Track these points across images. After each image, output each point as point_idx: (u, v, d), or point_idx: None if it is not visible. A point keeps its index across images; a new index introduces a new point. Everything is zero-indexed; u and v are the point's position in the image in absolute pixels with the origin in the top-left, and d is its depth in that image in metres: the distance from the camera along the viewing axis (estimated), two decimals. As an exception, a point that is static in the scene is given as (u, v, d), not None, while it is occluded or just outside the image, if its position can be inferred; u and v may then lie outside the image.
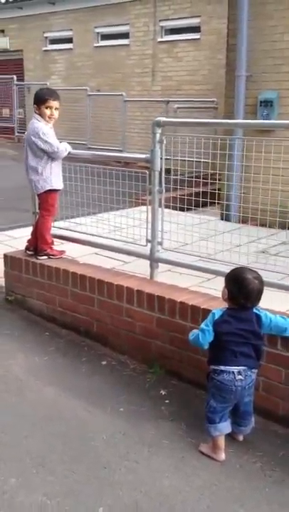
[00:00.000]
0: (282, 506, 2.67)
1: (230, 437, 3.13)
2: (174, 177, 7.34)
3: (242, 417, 3.09)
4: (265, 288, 3.04)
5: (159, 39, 12.98)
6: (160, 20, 12.87)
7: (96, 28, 14.27)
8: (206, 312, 3.54)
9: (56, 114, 4.43)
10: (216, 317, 3.04)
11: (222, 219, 6.22)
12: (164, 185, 4.12)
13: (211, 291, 3.88)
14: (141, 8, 13.13)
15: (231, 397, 2.99)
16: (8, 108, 16.18)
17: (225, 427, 3.01)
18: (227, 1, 7.66)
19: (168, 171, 6.50)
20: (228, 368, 2.96)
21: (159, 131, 4.00)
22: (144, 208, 4.38)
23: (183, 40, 12.59)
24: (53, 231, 4.80)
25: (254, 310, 3.04)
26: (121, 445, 3.09)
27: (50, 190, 4.49)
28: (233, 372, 2.95)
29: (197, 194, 4.76)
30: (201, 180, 4.85)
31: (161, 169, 4.07)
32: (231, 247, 4.83)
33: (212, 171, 5.84)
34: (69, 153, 4.52)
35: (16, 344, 4.23)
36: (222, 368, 2.97)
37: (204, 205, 5.34)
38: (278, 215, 4.09)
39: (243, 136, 6.60)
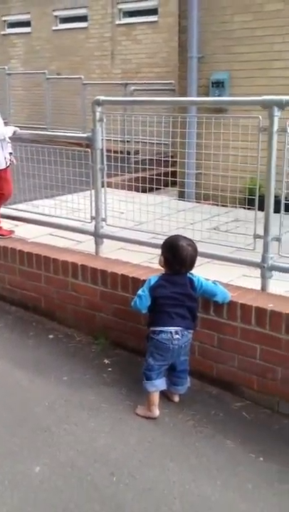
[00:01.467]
0: (209, 459, 2.85)
1: (167, 399, 3.31)
2: (135, 159, 7.47)
3: (178, 376, 3.27)
4: (215, 261, 3.20)
5: (118, 22, 12.97)
6: (118, 3, 12.85)
7: (54, 11, 14.16)
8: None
9: None
10: (152, 283, 3.22)
11: (178, 199, 6.37)
12: (105, 163, 4.22)
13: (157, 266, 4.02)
14: (98, -9, 13.09)
15: (168, 356, 3.16)
16: None
17: (160, 383, 3.19)
18: (180, -18, 7.72)
19: (128, 153, 6.60)
20: (165, 328, 3.13)
21: (98, 109, 4.10)
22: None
23: (141, 22, 12.60)
24: (6, 212, 4.88)
25: (188, 275, 3.20)
26: (61, 410, 3.23)
27: None
28: (170, 332, 3.13)
29: (158, 175, 4.91)
30: (156, 159, 4.95)
31: (102, 148, 4.17)
32: (186, 225, 4.99)
33: (169, 151, 5.95)
34: (14, 133, 4.59)
35: None
36: (160, 328, 3.15)
37: (166, 185, 5.49)
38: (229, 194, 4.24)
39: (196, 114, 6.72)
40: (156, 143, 6.40)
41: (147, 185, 4.90)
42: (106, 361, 3.77)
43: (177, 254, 3.17)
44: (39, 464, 2.79)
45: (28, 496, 2.57)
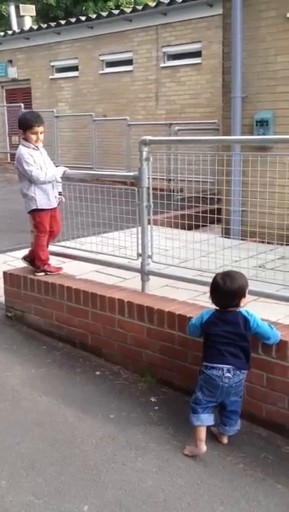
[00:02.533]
0: (259, 504, 2.76)
1: (216, 441, 3.24)
2: (181, 196, 7.55)
3: (228, 416, 3.20)
4: (261, 299, 3.17)
5: (162, 64, 13.32)
6: (162, 47, 13.23)
7: (100, 55, 14.68)
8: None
9: (42, 137, 4.61)
10: (204, 318, 3.25)
11: (223, 236, 6.38)
12: (151, 201, 4.29)
13: (206, 304, 4.00)
14: (144, 36, 13.51)
15: (217, 393, 3.12)
16: (17, 135, 16.59)
17: (206, 418, 3.14)
18: (222, 25, 7.92)
19: (173, 191, 6.68)
20: (217, 365, 3.12)
21: (145, 149, 4.19)
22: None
23: (185, 64, 12.91)
24: (55, 249, 5.00)
25: (243, 313, 3.18)
26: (109, 448, 3.21)
27: (36, 210, 4.67)
28: (222, 369, 3.10)
29: (203, 212, 4.96)
30: (201, 197, 5.00)
31: (149, 186, 4.25)
32: (231, 262, 4.98)
33: (214, 188, 6.00)
34: (64, 173, 4.73)
35: (13, 357, 4.38)
36: (212, 364, 3.13)
37: (211, 222, 5.52)
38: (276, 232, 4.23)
39: (240, 152, 6.78)
40: (202, 181, 6.46)
41: (193, 223, 4.93)
42: (153, 399, 3.74)
43: (212, 288, 3.20)
44: (87, 503, 2.76)
45: (76, 536, 2.55)
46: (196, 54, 12.64)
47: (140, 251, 4.39)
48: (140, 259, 4.40)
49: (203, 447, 3.12)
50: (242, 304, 3.19)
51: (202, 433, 3.13)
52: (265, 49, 7.34)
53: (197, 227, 5.11)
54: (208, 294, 3.27)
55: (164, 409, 3.62)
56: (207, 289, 4.33)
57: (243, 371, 3.16)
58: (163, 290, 4.65)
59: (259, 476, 2.97)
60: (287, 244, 4.93)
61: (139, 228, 4.39)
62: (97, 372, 4.14)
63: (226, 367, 3.10)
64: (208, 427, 3.19)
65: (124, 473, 2.99)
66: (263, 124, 7.49)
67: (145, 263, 4.37)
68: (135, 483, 2.91)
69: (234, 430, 3.24)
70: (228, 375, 3.09)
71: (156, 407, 3.65)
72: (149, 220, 4.33)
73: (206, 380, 3.14)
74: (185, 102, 12.94)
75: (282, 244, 5.20)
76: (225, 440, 3.26)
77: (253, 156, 4.76)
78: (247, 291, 3.22)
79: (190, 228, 5.71)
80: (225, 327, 3.15)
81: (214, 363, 3.13)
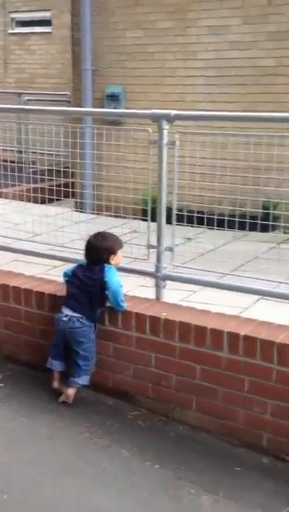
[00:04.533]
0: (104, 469, 2.83)
1: (63, 412, 3.25)
2: (33, 169, 7.33)
3: (72, 366, 3.32)
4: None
5: (10, 31, 12.75)
6: (10, 12, 12.64)
7: None
8: (39, 295, 3.64)
9: None
10: (76, 266, 3.45)
11: (76, 210, 6.34)
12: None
13: (57, 278, 3.94)
14: (-11, -1, 12.81)
15: (58, 337, 3.35)
16: None
17: (56, 364, 3.38)
18: (72, -6, 7.74)
19: (23, 163, 6.45)
20: (62, 307, 3.34)
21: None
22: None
23: (34, 33, 12.47)
24: None
25: (105, 267, 3.30)
26: None
27: None
28: (62, 311, 3.31)
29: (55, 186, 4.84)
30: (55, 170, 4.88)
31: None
32: (83, 236, 4.95)
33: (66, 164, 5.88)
34: None
35: None
36: (61, 307, 3.34)
37: (66, 196, 5.42)
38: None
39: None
40: (55, 154, 6.32)
41: (46, 196, 4.81)
42: (-3, 376, 3.65)
43: (86, 245, 3.40)
44: None
45: None
46: (46, 23, 12.27)
47: (-15, 223, 4.20)
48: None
49: (54, 385, 3.39)
50: (112, 262, 3.35)
51: (56, 375, 3.39)
52: (115, 22, 7.31)
53: (51, 201, 5.01)
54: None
55: (9, 385, 3.55)
56: (58, 263, 4.32)
57: (81, 319, 3.25)
58: (13, 265, 4.50)
59: (105, 443, 3.04)
60: (141, 219, 5.04)
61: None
62: None
63: (66, 310, 3.29)
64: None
65: None
66: (113, 98, 7.51)
67: (-9, 237, 4.19)
68: (-23, 463, 2.83)
69: (75, 382, 3.31)
70: (65, 318, 3.26)
71: (2, 384, 3.55)
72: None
73: (54, 323, 3.37)
74: (35, 72, 12.54)
75: (134, 219, 5.31)
76: (70, 394, 3.31)
77: (105, 130, 4.78)
78: (119, 252, 3.40)
79: (43, 202, 5.58)
80: (83, 273, 3.33)
81: (61, 306, 3.34)
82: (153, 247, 3.56)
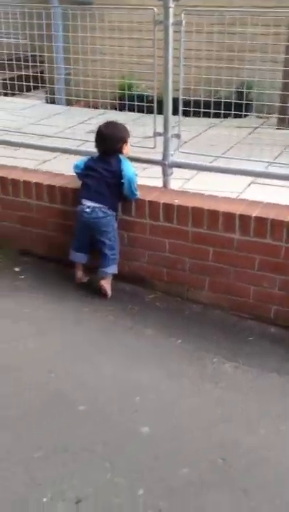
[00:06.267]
0: (133, 347, 3.08)
1: (84, 301, 3.44)
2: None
3: (100, 258, 3.44)
4: None
5: None
6: None
7: None
8: (50, 188, 3.70)
9: None
10: (88, 159, 3.48)
11: (48, 102, 6.16)
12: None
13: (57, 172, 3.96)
14: None
15: (82, 228, 3.43)
16: None
17: (79, 256, 3.52)
18: None
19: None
20: (82, 199, 3.40)
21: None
22: None
23: None
24: None
25: (120, 157, 3.36)
26: (-17, 320, 3.26)
27: None
28: (84, 203, 3.37)
29: (19, 78, 4.67)
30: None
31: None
32: (64, 129, 4.89)
33: (33, 53, 5.60)
34: None
35: None
36: (80, 200, 3.41)
37: (28, 90, 5.22)
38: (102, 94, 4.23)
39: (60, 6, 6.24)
40: (21, 39, 5.98)
41: (9, 91, 4.66)
42: (16, 269, 3.79)
43: (96, 135, 3.43)
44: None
45: None
46: None
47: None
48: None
49: (77, 276, 3.57)
50: (124, 151, 3.39)
51: (78, 266, 3.56)
52: None
53: (12, 95, 4.82)
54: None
55: (30, 276, 3.70)
56: (48, 157, 4.30)
57: (104, 209, 3.34)
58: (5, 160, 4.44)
59: (128, 324, 3.27)
60: (115, 109, 4.96)
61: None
62: None
63: (87, 201, 3.34)
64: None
65: (4, 338, 3.09)
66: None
67: (-11, 132, 4.13)
68: (16, 346, 3.04)
69: (105, 272, 3.45)
70: (88, 210, 3.34)
71: (22, 276, 3.71)
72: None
73: (76, 216, 3.42)
74: None
75: (106, 108, 5.22)
76: (105, 286, 3.46)
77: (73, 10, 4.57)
78: (128, 140, 3.43)
79: (5, 95, 5.36)
80: (99, 164, 3.38)
81: (81, 198, 3.38)
82: (160, 134, 3.57)
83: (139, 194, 3.42)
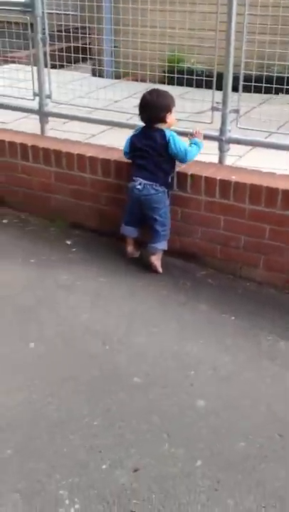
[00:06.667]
0: (188, 322, 3.07)
1: (137, 276, 3.44)
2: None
3: (150, 233, 3.44)
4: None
5: None
6: None
7: None
8: (104, 162, 3.68)
9: None
10: (134, 134, 3.42)
11: (95, 75, 6.13)
12: (47, 32, 3.95)
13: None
14: None
15: (133, 204, 3.42)
16: None
17: (130, 230, 3.53)
18: None
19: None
20: (134, 177, 3.38)
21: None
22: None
23: None
24: None
25: (165, 131, 3.30)
26: (38, 290, 3.28)
27: None
28: (135, 180, 3.36)
29: (67, 50, 4.65)
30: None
31: (43, 14, 3.88)
32: (112, 103, 4.86)
33: (82, 24, 5.57)
34: None
35: None
36: (132, 177, 3.39)
37: (76, 61, 5.19)
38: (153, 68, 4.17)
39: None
40: (72, 14, 5.96)
41: (57, 63, 4.63)
42: (68, 242, 3.81)
43: (141, 103, 3.33)
44: (31, 340, 2.87)
45: (27, 370, 2.68)
46: None
47: (37, 90, 4.11)
48: (37, 99, 4.14)
49: (128, 251, 3.58)
50: (168, 120, 3.32)
51: (129, 241, 3.57)
52: None
53: (61, 66, 4.78)
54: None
55: (81, 250, 3.72)
56: (96, 130, 4.28)
57: (155, 186, 3.32)
58: (52, 132, 4.42)
59: (182, 299, 3.26)
60: (163, 83, 4.89)
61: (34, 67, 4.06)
62: (5, 221, 4.06)
63: (138, 179, 3.33)
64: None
65: (59, 311, 3.12)
66: None
67: (43, 103, 4.13)
68: (72, 318, 3.06)
69: (155, 248, 3.45)
70: (139, 187, 3.32)
71: (74, 249, 3.73)
72: (45, 53, 3.99)
73: (128, 192, 3.42)
74: None
75: (154, 82, 5.15)
76: (155, 261, 3.46)
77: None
78: (173, 110, 3.34)
79: (53, 67, 5.33)
80: (145, 141, 3.31)
81: (133, 176, 3.37)
82: (218, 109, 3.52)
83: (192, 157, 3.36)
